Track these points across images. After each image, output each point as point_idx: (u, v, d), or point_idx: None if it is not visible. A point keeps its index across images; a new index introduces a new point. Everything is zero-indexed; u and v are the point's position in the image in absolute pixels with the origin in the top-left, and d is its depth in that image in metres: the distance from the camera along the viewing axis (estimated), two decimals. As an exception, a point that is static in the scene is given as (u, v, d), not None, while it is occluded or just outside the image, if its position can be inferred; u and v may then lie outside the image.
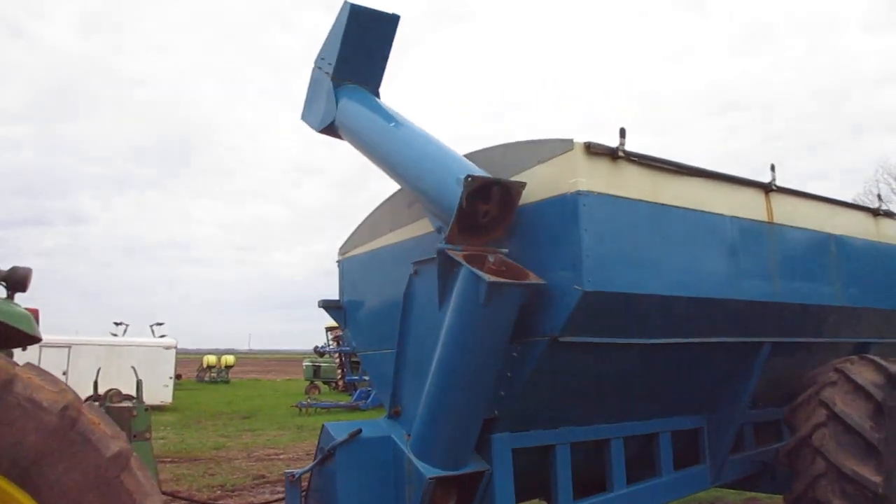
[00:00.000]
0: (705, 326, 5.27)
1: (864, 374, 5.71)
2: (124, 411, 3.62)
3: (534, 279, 4.39)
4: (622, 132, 4.63)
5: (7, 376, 2.38)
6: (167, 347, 27.89)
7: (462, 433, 4.73)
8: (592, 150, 4.50)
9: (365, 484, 4.74)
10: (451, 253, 4.55)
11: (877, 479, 5.24)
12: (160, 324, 33.09)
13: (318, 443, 4.91)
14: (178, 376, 31.75)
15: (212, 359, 49.84)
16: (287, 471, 4.89)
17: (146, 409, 3.71)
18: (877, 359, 5.96)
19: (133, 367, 6.33)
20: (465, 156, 5.15)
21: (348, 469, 4.72)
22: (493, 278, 4.17)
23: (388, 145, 5.43)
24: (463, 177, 4.42)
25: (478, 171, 4.64)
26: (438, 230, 4.83)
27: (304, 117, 6.50)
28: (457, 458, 4.73)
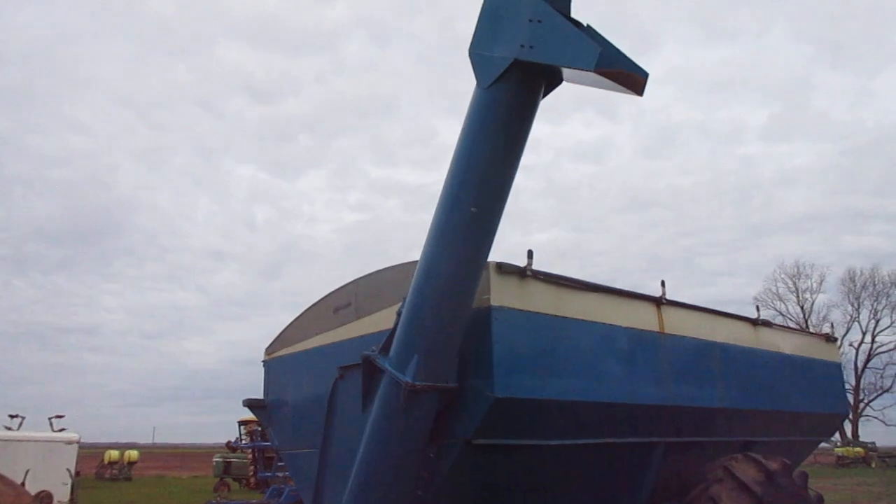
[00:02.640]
0: (605, 428, 5.78)
1: (747, 472, 6.29)
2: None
3: (450, 384, 4.82)
4: (530, 254, 5.24)
5: (-30, 483, 2.60)
6: (69, 442, 26.32)
7: (381, 532, 4.99)
8: (503, 269, 5.06)
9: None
10: (374, 360, 4.96)
11: (759, 570, 5.74)
12: (60, 416, 31.21)
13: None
14: (77, 473, 29.85)
15: (114, 454, 46.95)
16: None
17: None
18: (758, 457, 6.56)
19: (68, 470, 6.24)
20: (398, 267, 5.59)
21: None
22: (412, 383, 4.58)
23: (433, 242, 4.74)
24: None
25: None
26: (398, 314, 5.01)
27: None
28: (376, 556, 4.97)
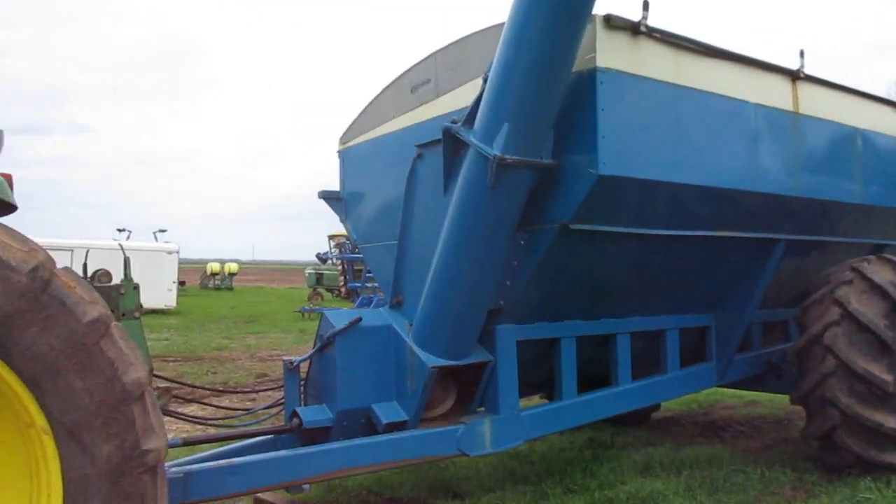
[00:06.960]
0: (721, 219, 5.06)
1: (882, 274, 5.52)
2: (112, 289, 3.44)
3: (545, 160, 4.15)
4: (645, 4, 4.28)
5: (-30, 231, 2.17)
6: (170, 252, 27.92)
7: (465, 323, 4.59)
8: (612, 23, 4.16)
9: (364, 372, 4.63)
10: (457, 133, 4.30)
11: (888, 377, 5.14)
12: (163, 230, 33.11)
13: (318, 330, 4.78)
14: (181, 283, 31.99)
15: (215, 266, 50.01)
16: (286, 358, 4.78)
17: (135, 287, 3.53)
18: (895, 258, 5.77)
19: (120, 244, 6.15)
20: (481, 33, 4.76)
21: (347, 357, 4.60)
22: (501, 155, 3.93)
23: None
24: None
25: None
26: (485, 79, 4.20)
27: None
28: (459, 349, 4.62)
